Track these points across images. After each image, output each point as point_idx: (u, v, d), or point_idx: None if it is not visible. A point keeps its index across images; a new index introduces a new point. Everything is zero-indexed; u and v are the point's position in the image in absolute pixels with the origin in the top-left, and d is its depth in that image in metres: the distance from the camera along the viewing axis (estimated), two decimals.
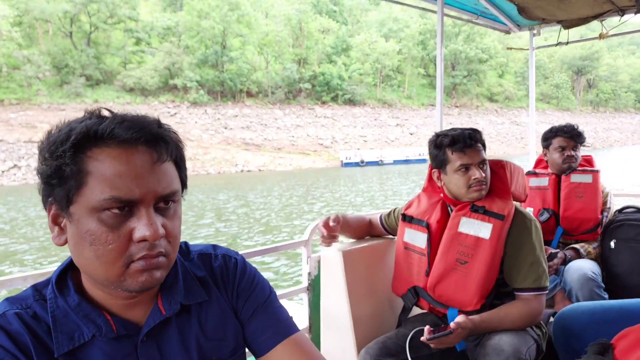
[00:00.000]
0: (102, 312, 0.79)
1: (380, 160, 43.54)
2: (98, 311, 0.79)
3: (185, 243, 0.96)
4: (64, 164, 0.73)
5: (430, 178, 2.02)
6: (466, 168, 1.82)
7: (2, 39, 46.17)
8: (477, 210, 1.83)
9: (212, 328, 0.90)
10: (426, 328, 1.67)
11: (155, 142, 0.76)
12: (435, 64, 71.81)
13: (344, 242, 2.15)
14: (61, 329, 0.76)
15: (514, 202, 1.89)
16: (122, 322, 0.81)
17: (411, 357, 1.70)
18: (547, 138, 2.86)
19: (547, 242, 2.70)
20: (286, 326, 0.95)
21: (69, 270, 0.83)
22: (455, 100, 70.87)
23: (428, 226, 1.91)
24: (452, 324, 1.65)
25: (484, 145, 1.87)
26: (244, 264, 0.99)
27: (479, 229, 1.79)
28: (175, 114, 49.23)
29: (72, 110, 45.92)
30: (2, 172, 37.91)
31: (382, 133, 55.69)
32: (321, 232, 2.02)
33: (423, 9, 3.45)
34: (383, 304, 2.09)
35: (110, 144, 0.73)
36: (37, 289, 0.81)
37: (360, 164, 42.70)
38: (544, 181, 2.85)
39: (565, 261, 2.55)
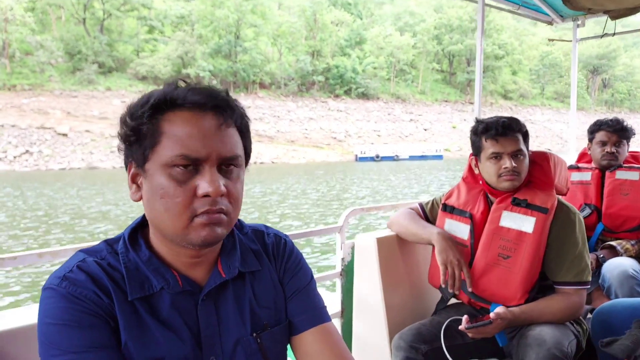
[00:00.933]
0: (170, 268, 0.87)
1: (396, 155, 42.81)
2: (166, 267, 0.87)
3: (239, 219, 1.00)
4: (142, 123, 0.80)
5: (470, 167, 1.96)
6: (498, 156, 1.78)
7: (15, 24, 45.74)
8: (519, 203, 1.79)
9: (264, 296, 0.97)
10: (464, 317, 1.66)
11: (222, 108, 0.82)
12: (450, 60, 71.40)
13: (379, 228, 2.22)
14: (133, 278, 0.84)
15: (556, 195, 1.84)
16: (187, 279, 0.88)
17: (445, 346, 1.69)
18: (592, 131, 2.74)
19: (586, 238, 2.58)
20: (320, 314, 1.01)
21: (139, 229, 0.91)
22: (469, 97, 69.86)
23: (472, 217, 1.87)
24: (491, 314, 1.63)
25: (525, 136, 1.81)
26: (292, 245, 1.06)
27: (522, 222, 1.76)
28: None
29: (84, 97, 45.54)
30: (14, 157, 37.56)
31: (396, 128, 54.95)
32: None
33: None
34: (417, 292, 2.08)
35: (183, 108, 0.80)
36: (109, 244, 0.89)
37: (376, 158, 42.03)
38: (587, 176, 2.77)
39: (599, 264, 2.49)
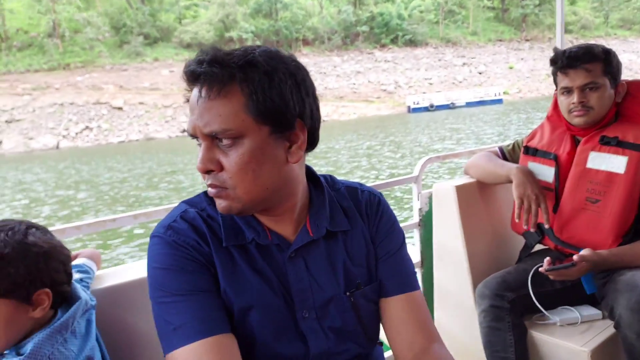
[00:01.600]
0: (259, 222, 0.90)
1: (452, 103, 40.79)
2: (257, 221, 0.90)
3: (331, 176, 1.02)
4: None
5: (554, 103, 1.79)
6: (569, 91, 1.65)
7: (62, 3, 46.55)
8: (608, 142, 1.63)
9: (357, 254, 0.97)
10: (546, 259, 1.57)
11: (203, 78, 0.78)
12: None
13: (457, 175, 2.04)
14: (228, 227, 0.88)
15: None
16: (276, 234, 0.90)
17: (533, 293, 1.63)
18: None
19: None
20: (410, 281, 1.00)
21: None
22: (525, 34, 65.26)
23: (557, 159, 1.73)
24: (575, 257, 1.52)
25: (606, 64, 1.60)
26: (386, 204, 1.04)
27: (612, 163, 1.62)
28: None
29: (133, 70, 46.25)
30: (76, 133, 39.01)
31: (448, 74, 52.42)
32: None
33: None
34: (500, 240, 1.99)
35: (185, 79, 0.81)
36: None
37: (430, 108, 40.33)
38: None
39: None
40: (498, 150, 1.96)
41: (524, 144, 1.84)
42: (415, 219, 2.19)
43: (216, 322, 0.83)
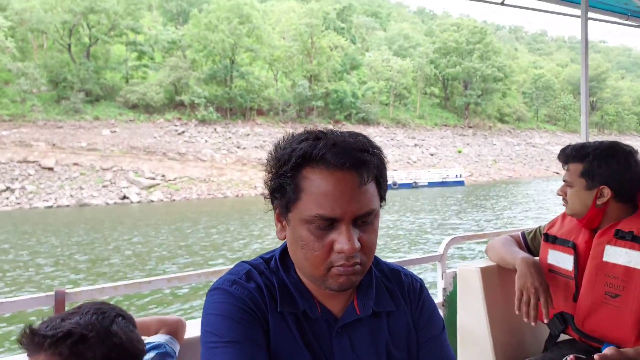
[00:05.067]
0: (312, 296, 0.95)
1: (414, 182, 40.01)
2: (310, 293, 0.95)
3: (375, 256, 1.04)
4: (286, 182, 0.88)
5: None
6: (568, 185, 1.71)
7: None
8: (623, 237, 1.60)
9: (399, 337, 1.00)
10: (570, 357, 1.48)
11: (359, 166, 0.85)
12: (444, 84, 70.00)
13: (482, 257, 2.11)
14: (283, 294, 0.94)
15: None
16: (324, 308, 0.96)
17: None
18: None
19: None
20: None
21: (287, 251, 0.99)
22: (468, 121, 68.32)
23: (575, 247, 1.72)
24: (596, 356, 1.43)
25: (589, 167, 1.62)
26: (426, 290, 1.09)
27: (630, 258, 1.58)
28: (184, 132, 45.42)
29: (70, 127, 41.87)
30: None
31: (402, 154, 52.52)
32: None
33: (564, 14, 3.32)
34: (526, 326, 1.89)
35: (321, 166, 0.86)
36: (265, 260, 1.00)
37: (393, 186, 39.22)
38: None
39: None
40: (520, 235, 1.94)
41: (544, 231, 1.80)
42: (439, 298, 2.12)
43: None
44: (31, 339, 0.97)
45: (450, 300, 2.12)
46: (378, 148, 0.92)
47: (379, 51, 64.90)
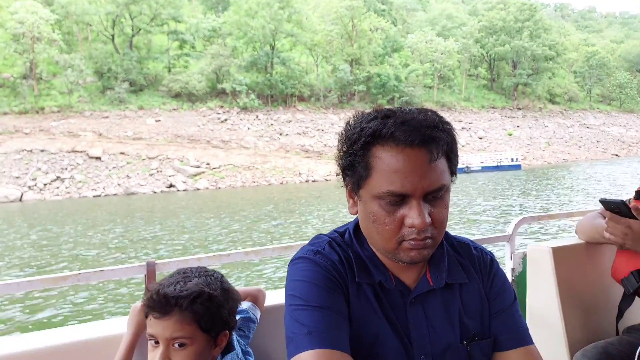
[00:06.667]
0: (386, 268, 0.98)
1: (467, 167, 38.13)
2: (383, 265, 0.98)
3: (446, 232, 1.05)
4: (356, 161, 0.90)
5: None
6: None
7: (43, 42, 42.92)
8: None
9: (472, 307, 1.02)
10: None
11: (428, 143, 0.86)
12: (490, 64, 66.92)
13: (557, 236, 2.48)
14: (360, 265, 0.97)
15: None
16: (398, 280, 0.98)
17: None
18: None
19: None
20: (525, 335, 1.04)
21: (359, 226, 1.01)
22: (517, 102, 65.16)
23: None
24: None
25: None
26: (497, 262, 1.09)
27: None
28: (226, 120, 45.11)
29: (115, 117, 42.25)
30: (45, 185, 34.09)
31: None
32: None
33: None
34: (599, 308, 1.91)
35: (390, 143, 0.87)
36: (339, 233, 1.03)
37: None
38: None
39: None
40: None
41: (638, 190, 1.69)
42: (509, 279, 2.03)
43: (344, 341, 0.89)
44: (165, 301, 1.06)
45: (520, 281, 2.08)
46: (448, 124, 0.91)
47: (422, 32, 62.51)
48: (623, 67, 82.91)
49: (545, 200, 18.61)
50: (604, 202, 1.54)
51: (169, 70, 49.32)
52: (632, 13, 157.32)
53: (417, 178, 0.85)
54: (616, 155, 55.38)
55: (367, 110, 0.94)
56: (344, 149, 0.93)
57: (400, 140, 0.85)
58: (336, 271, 0.95)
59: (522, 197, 20.42)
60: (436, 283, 0.98)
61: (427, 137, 0.86)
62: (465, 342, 0.98)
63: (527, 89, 65.66)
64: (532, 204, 17.92)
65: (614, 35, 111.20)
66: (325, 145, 43.49)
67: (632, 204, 1.49)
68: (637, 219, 1.48)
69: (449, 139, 0.90)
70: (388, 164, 0.86)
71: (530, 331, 1.68)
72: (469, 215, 15.65)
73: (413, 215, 0.86)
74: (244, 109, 47.12)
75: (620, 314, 1.73)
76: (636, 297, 1.67)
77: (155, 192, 34.12)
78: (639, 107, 79.21)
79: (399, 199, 0.87)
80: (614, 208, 1.52)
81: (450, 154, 0.91)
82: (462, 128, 53.83)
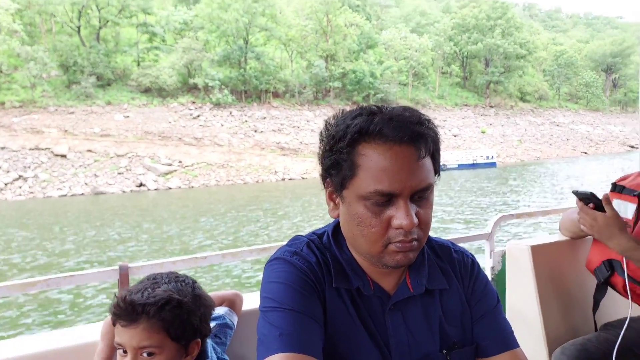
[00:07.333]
0: (365, 273, 0.95)
1: (443, 164, 38.09)
2: (362, 270, 0.95)
3: None
4: (341, 159, 0.87)
5: None
6: None
7: (2, 33, 40.62)
8: None
9: (453, 314, 0.99)
10: None
11: (417, 140, 0.85)
12: (463, 62, 67.55)
13: (533, 235, 1.91)
14: (337, 270, 0.94)
15: None
16: (377, 286, 0.95)
17: None
18: None
19: None
20: (510, 339, 1.02)
21: (339, 229, 0.98)
22: (489, 100, 65.91)
23: None
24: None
25: None
26: (478, 265, 1.07)
27: None
28: (199, 116, 43.83)
29: (82, 113, 40.44)
30: (5, 184, 32.26)
31: None
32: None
33: None
34: (578, 305, 1.93)
35: (378, 140, 0.84)
36: (317, 235, 1.00)
37: None
38: None
39: None
40: None
41: (615, 182, 1.76)
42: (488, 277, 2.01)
43: (316, 345, 0.86)
44: (131, 308, 1.03)
45: (499, 279, 2.08)
46: (432, 122, 0.90)
47: (396, 29, 62.40)
48: (589, 66, 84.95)
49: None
50: (576, 193, 1.57)
51: (138, 64, 47.59)
52: (595, 14, 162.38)
53: (405, 176, 0.83)
54: (585, 152, 56.68)
55: (350, 108, 0.90)
56: (327, 147, 0.89)
57: (388, 137, 0.83)
58: (313, 274, 0.91)
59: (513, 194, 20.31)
60: (416, 289, 0.95)
61: (415, 134, 0.84)
62: (445, 351, 0.95)
63: (499, 87, 66.49)
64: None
65: (579, 35, 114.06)
66: (301, 142, 42.80)
67: (604, 195, 1.52)
68: (605, 210, 1.50)
69: (435, 137, 0.89)
70: (376, 162, 0.84)
71: None
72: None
73: (401, 215, 0.84)
74: (217, 105, 45.92)
75: (595, 305, 1.73)
76: (611, 290, 1.68)
77: (124, 192, 32.77)
78: (604, 105, 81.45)
79: (386, 199, 0.84)
80: (585, 199, 1.55)
81: (435, 152, 0.90)
82: (437, 126, 53.93)
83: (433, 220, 1.04)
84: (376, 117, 0.85)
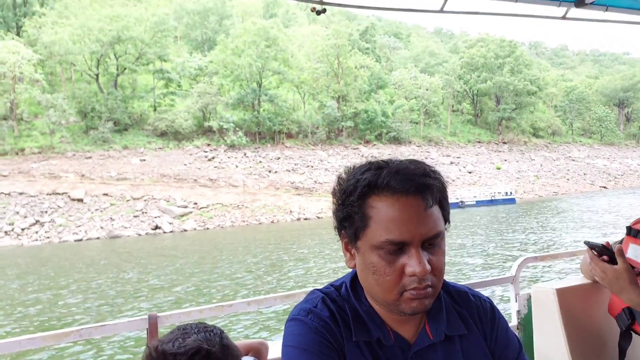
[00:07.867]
0: (384, 323, 0.96)
1: (461, 201, 37.60)
2: (381, 320, 0.96)
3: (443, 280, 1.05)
4: (353, 212, 0.90)
5: None
6: None
7: (24, 82, 41.91)
8: None
9: None
10: None
11: (423, 191, 0.88)
12: (474, 100, 67.96)
13: (558, 278, 2.03)
14: (357, 322, 0.95)
15: None
16: (397, 335, 0.96)
17: None
18: None
19: None
20: None
21: (356, 279, 1.00)
22: (502, 137, 65.76)
23: None
24: None
25: None
26: (497, 310, 1.08)
27: None
28: (213, 157, 44.16)
29: (98, 158, 41.00)
30: (22, 229, 32.35)
31: (440, 172, 50.24)
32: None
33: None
34: (606, 347, 1.85)
35: (386, 192, 0.88)
36: (335, 287, 1.02)
37: None
38: None
39: None
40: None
41: (630, 225, 1.67)
42: (514, 321, 2.11)
43: None
44: (163, 358, 1.08)
45: (525, 323, 2.06)
46: (438, 172, 0.94)
47: (406, 69, 63.33)
48: (600, 101, 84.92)
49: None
50: (588, 244, 1.55)
51: (155, 109, 48.57)
52: (601, 51, 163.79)
53: (414, 225, 0.86)
54: (604, 187, 55.68)
55: (359, 163, 0.95)
56: (339, 201, 0.93)
57: (395, 190, 0.87)
58: (329, 332, 0.92)
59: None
60: (436, 336, 0.96)
61: (421, 185, 0.87)
62: None
63: (511, 123, 66.45)
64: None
65: (588, 71, 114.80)
66: (315, 181, 42.70)
67: (617, 247, 1.49)
68: (617, 263, 1.48)
69: (441, 186, 0.92)
70: (385, 213, 0.87)
71: None
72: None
73: (413, 263, 0.86)
74: (232, 146, 46.34)
75: (621, 353, 1.68)
76: (635, 335, 1.64)
77: (139, 235, 32.62)
78: (619, 139, 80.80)
79: (398, 248, 0.87)
80: (597, 251, 1.54)
81: (443, 201, 0.92)
82: (451, 162, 53.77)
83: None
84: (384, 171, 0.89)
